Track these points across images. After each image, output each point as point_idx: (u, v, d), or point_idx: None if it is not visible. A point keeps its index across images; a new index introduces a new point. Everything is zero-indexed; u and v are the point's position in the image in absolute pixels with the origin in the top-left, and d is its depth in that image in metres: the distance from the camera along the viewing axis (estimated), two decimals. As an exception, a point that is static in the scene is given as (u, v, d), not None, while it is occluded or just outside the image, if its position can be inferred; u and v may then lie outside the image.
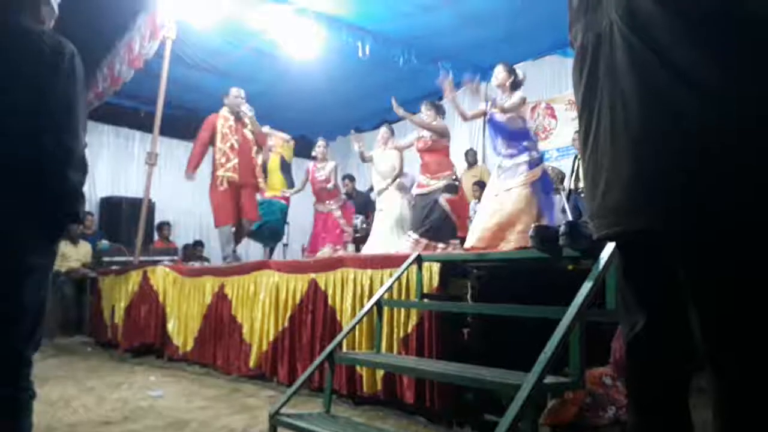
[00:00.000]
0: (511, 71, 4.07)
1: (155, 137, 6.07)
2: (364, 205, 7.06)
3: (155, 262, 5.74)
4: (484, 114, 4.28)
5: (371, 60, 6.54)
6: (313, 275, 3.64)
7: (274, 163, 6.33)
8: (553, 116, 7.38)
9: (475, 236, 3.83)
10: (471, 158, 7.45)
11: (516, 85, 4.10)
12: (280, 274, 3.92)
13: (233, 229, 5.38)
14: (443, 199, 4.68)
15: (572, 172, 6.15)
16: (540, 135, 7.44)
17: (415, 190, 4.90)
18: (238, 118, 5.39)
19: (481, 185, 6.72)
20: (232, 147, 5.23)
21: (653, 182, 1.16)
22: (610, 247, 2.05)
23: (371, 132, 8.66)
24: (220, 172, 5.18)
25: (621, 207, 1.22)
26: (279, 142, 6.49)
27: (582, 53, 1.32)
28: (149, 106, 7.09)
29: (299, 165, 10.63)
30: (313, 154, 6.02)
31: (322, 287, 3.55)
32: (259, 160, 5.53)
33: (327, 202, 5.93)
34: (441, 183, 4.72)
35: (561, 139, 7.16)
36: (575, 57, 1.36)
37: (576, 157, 6.21)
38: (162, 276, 5.19)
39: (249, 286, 4.15)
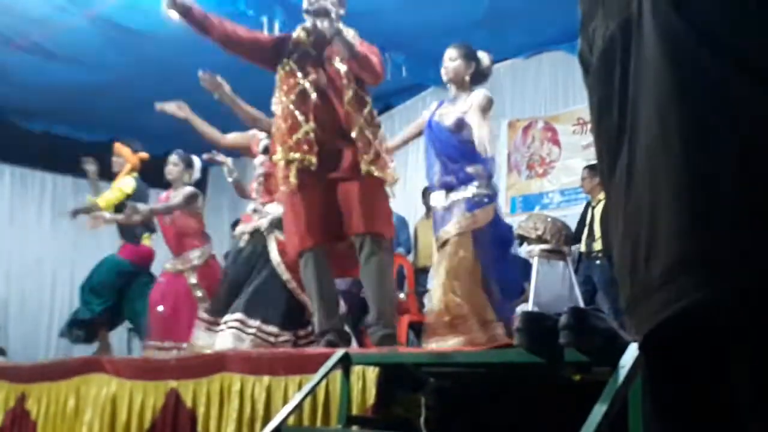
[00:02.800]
0: (470, 57, 4.22)
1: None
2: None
3: None
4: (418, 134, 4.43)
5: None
6: (173, 384, 3.60)
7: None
8: (556, 142, 7.65)
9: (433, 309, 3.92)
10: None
11: (478, 77, 4.24)
12: (120, 380, 3.87)
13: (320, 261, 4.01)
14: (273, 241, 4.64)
15: (583, 226, 6.35)
16: (536, 169, 7.67)
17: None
18: (322, 39, 4.08)
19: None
20: (302, 98, 4.01)
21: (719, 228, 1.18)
22: (635, 349, 2.09)
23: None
24: (278, 155, 3.98)
25: (667, 272, 1.23)
26: (132, 160, 6.43)
27: (605, 56, 1.37)
28: None
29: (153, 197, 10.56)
30: (166, 174, 5.90)
31: (188, 403, 3.51)
32: (360, 118, 3.99)
33: (181, 257, 5.77)
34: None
35: (566, 176, 7.40)
36: (596, 63, 1.41)
37: (589, 204, 6.43)
38: None
39: (67, 399, 4.09)
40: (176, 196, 5.76)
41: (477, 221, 3.98)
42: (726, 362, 1.23)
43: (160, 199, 6.03)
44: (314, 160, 3.92)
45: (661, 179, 1.26)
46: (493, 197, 4.12)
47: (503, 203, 7.77)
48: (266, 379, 3.26)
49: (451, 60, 4.18)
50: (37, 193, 9.35)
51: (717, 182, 1.21)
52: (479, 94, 4.08)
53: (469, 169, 4.02)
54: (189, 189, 5.82)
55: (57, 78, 7.55)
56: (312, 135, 3.95)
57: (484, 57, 4.24)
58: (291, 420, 2.91)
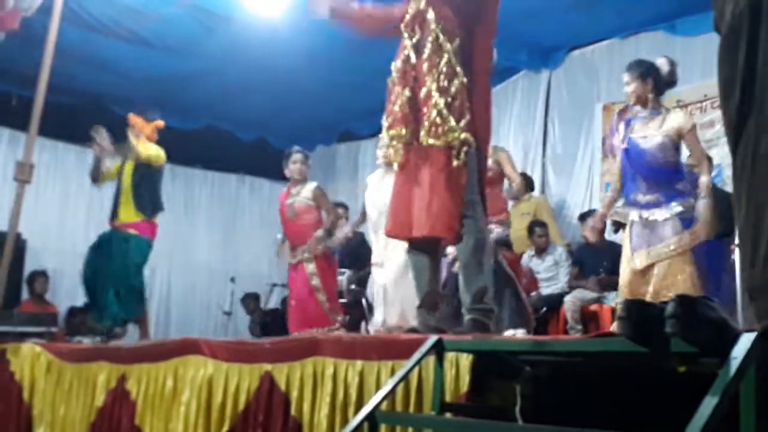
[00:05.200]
0: (645, 74, 4.12)
1: (31, 138, 6.10)
2: (357, 255, 7.01)
3: (21, 336, 5.68)
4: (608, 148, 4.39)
5: (374, 29, 6.62)
6: (268, 367, 3.61)
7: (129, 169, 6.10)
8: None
9: None
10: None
11: (663, 86, 4.16)
12: (217, 362, 3.90)
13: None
14: (502, 256, 4.72)
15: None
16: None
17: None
18: None
19: (538, 227, 6.71)
20: (404, 64, 3.71)
21: None
22: (748, 339, 1.99)
23: (368, 140, 8.72)
24: (384, 133, 3.78)
25: None
26: (146, 130, 6.16)
27: (732, 33, 1.29)
28: (25, 89, 7.14)
29: (225, 182, 10.50)
30: (287, 172, 6.05)
31: (282, 386, 3.52)
32: (433, 73, 3.57)
33: (300, 248, 5.93)
34: (494, 232, 4.73)
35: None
36: (722, 42, 1.33)
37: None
38: (30, 359, 5.16)
39: (165, 380, 4.14)
40: (304, 192, 5.92)
41: (697, 237, 3.93)
42: None
43: (281, 195, 6.13)
44: (404, 132, 3.63)
45: None
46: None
47: (597, 189, 7.59)
48: (359, 363, 3.24)
49: (627, 84, 4.15)
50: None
51: None
52: (678, 119, 4.07)
53: (679, 186, 4.01)
54: (316, 184, 5.99)
55: (153, 66, 7.75)
56: (407, 106, 3.64)
57: (663, 64, 4.15)
58: (384, 405, 2.90)
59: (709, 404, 1.95)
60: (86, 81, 8.12)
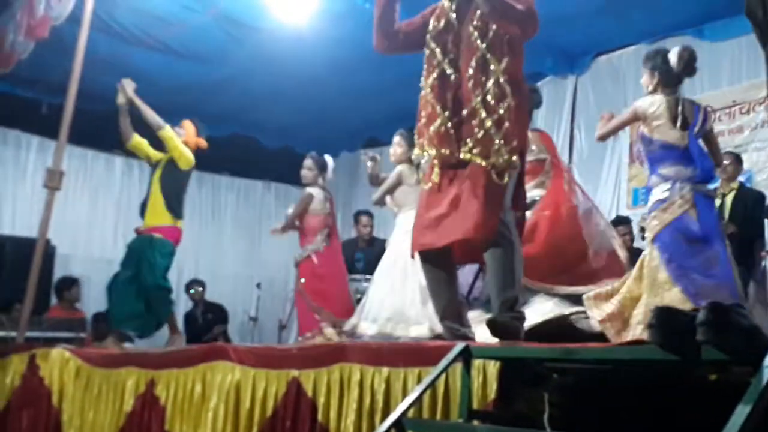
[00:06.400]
0: (654, 66, 4.16)
1: (61, 145, 6.17)
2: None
3: (50, 342, 5.72)
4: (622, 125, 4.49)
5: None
6: (295, 373, 3.63)
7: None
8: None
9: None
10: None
11: (672, 78, 4.13)
12: (244, 368, 3.92)
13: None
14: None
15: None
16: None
17: None
18: (465, 3, 3.68)
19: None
20: (440, 82, 3.68)
21: None
22: (781, 348, 1.97)
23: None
24: (416, 150, 3.79)
25: None
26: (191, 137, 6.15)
27: None
28: (55, 97, 7.23)
29: (250, 189, 10.59)
30: (303, 179, 6.24)
31: (309, 392, 3.54)
32: (479, 92, 3.56)
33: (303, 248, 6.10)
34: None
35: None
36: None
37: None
38: (59, 364, 5.20)
39: (194, 386, 4.16)
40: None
41: (662, 220, 3.89)
42: None
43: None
44: (448, 152, 3.59)
45: None
46: (690, 193, 3.96)
47: (624, 194, 7.53)
48: (385, 370, 3.25)
49: (642, 78, 4.22)
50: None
51: None
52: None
53: (664, 170, 3.97)
54: (304, 193, 6.12)
55: (180, 75, 7.80)
56: (449, 125, 3.60)
57: (673, 54, 4.11)
58: (411, 412, 2.89)
59: (741, 413, 1.93)
60: (115, 89, 8.17)
